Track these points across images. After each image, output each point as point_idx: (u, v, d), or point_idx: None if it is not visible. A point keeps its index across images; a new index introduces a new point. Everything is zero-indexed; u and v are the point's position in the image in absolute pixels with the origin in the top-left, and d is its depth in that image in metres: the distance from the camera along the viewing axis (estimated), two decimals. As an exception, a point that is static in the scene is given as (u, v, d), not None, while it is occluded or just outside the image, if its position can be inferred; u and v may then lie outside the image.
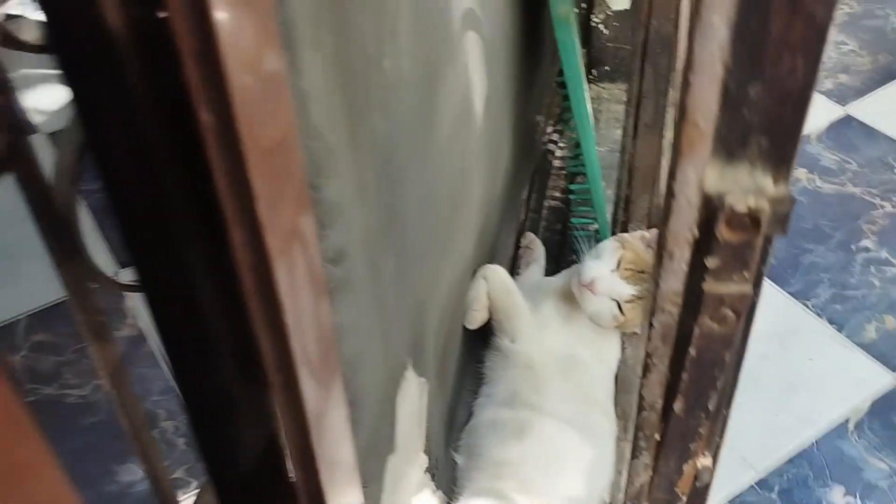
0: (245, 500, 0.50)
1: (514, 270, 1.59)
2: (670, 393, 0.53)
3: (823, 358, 1.50)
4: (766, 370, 1.48)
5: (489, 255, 1.42)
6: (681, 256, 0.44)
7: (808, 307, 1.58)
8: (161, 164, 0.30)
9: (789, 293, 1.61)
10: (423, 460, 1.05)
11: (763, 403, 1.43)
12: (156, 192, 0.31)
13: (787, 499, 1.32)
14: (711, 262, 0.46)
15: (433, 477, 1.13)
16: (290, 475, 0.44)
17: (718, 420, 0.57)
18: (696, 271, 0.46)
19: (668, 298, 0.46)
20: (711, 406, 0.53)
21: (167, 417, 1.43)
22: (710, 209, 0.45)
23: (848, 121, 1.98)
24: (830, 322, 1.56)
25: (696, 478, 0.59)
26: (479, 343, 1.37)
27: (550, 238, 1.68)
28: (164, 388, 1.48)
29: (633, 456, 0.57)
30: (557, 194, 1.78)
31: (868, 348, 1.51)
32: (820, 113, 1.99)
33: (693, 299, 0.48)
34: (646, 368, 0.50)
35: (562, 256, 1.61)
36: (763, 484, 1.34)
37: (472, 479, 1.18)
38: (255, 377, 0.38)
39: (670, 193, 0.43)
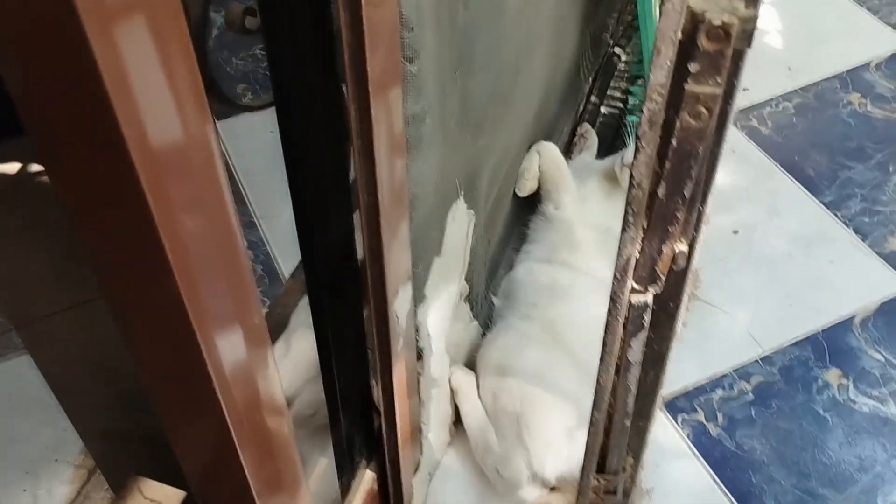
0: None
1: (567, 154, 1.74)
2: (656, 180, 0.69)
3: (844, 262, 1.63)
4: (790, 267, 1.62)
5: (546, 135, 1.58)
6: (666, 53, 0.60)
7: (837, 217, 1.70)
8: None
9: (822, 202, 1.73)
10: (465, 287, 1.23)
11: (780, 295, 1.57)
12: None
13: (786, 375, 1.47)
14: (692, 66, 0.61)
15: (472, 308, 1.32)
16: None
17: (694, 210, 0.72)
18: (680, 74, 0.62)
19: (655, 89, 0.62)
20: (687, 193, 0.69)
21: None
22: (694, 23, 0.60)
23: (910, 53, 2.05)
24: (856, 231, 1.68)
25: (673, 261, 0.76)
26: (526, 210, 1.54)
27: (605, 131, 1.82)
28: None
29: (623, 229, 0.73)
30: (618, 94, 1.90)
31: (887, 258, 1.63)
32: (882, 43, 2.06)
33: (676, 98, 0.63)
34: (636, 151, 0.66)
35: (614, 148, 1.76)
36: (767, 360, 1.49)
37: (504, 317, 1.36)
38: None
39: (664, 1, 0.58)
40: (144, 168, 0.39)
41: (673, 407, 1.44)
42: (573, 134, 1.78)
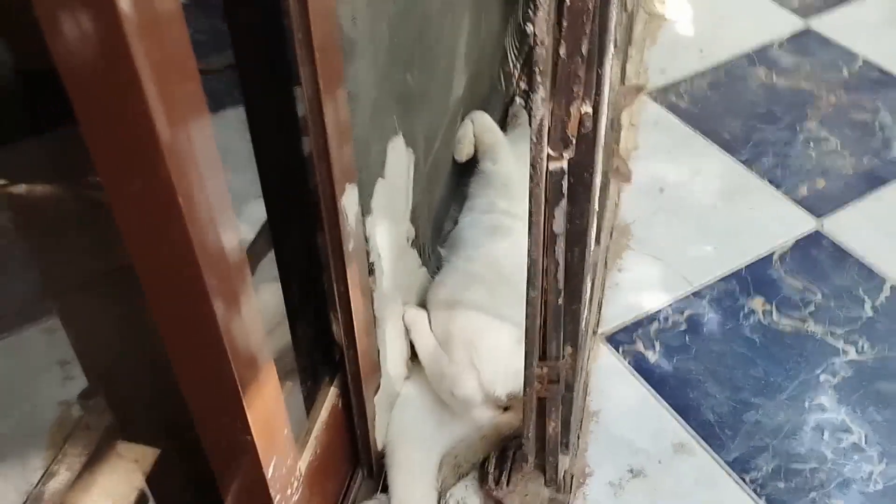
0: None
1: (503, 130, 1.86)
2: (557, 42, 0.81)
3: (762, 209, 1.77)
4: (714, 217, 1.76)
5: (479, 108, 1.70)
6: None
7: (753, 171, 1.85)
8: None
9: (740, 160, 1.88)
10: (411, 231, 1.33)
11: (707, 240, 1.71)
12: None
13: (715, 305, 1.59)
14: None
15: (420, 256, 1.42)
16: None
17: (593, 69, 0.84)
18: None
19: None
20: (585, 51, 0.81)
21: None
22: None
23: None
24: (771, 182, 1.83)
25: (581, 123, 0.87)
26: (465, 175, 1.66)
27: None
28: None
29: (533, 91, 0.84)
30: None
31: (800, 202, 1.78)
32: (784, 25, 2.25)
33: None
34: (535, 9, 0.77)
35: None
36: (697, 295, 1.61)
37: (451, 262, 1.46)
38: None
39: None
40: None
41: (614, 340, 1.54)
42: (506, 114, 1.91)
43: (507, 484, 1.28)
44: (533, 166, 0.89)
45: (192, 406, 0.82)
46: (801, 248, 1.69)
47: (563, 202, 0.94)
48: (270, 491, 0.94)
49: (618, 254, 1.69)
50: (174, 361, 0.78)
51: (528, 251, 0.98)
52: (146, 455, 1.28)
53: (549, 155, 0.89)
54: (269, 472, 0.91)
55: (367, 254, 1.11)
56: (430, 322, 1.37)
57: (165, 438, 1.23)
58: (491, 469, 1.31)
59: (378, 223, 1.13)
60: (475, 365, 1.31)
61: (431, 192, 1.48)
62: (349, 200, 0.99)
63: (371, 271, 1.14)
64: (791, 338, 1.53)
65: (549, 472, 1.26)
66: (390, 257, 1.20)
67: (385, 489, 1.26)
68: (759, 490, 1.32)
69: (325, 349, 1.17)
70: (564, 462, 1.28)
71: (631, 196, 1.80)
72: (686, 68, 2.14)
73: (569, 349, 1.11)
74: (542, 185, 0.91)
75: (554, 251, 0.98)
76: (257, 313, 0.78)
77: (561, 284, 1.02)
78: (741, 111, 2.01)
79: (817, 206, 1.78)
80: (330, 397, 1.18)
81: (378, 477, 1.29)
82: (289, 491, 0.99)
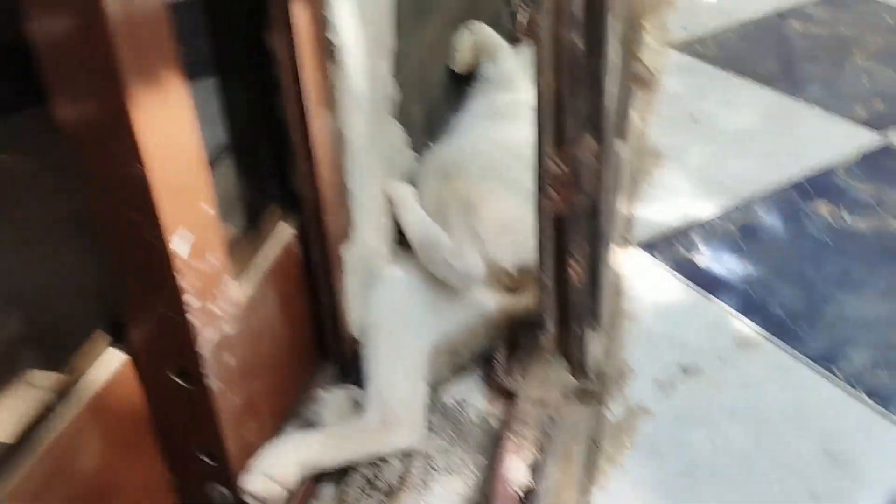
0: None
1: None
2: None
3: (813, 128, 1.53)
4: (758, 138, 1.50)
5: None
6: None
7: (797, 98, 1.61)
8: None
9: (782, 91, 1.64)
10: (393, 87, 1.10)
11: (751, 158, 1.44)
12: None
13: (772, 211, 1.31)
14: None
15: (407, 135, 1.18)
16: None
17: None
18: None
19: None
20: None
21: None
22: None
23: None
24: (820, 105, 1.58)
25: None
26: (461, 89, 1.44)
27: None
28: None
29: None
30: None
31: (859, 120, 1.53)
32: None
33: None
34: None
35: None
36: (747, 202, 1.34)
37: (446, 142, 1.22)
38: None
39: None
40: None
41: (650, 247, 1.26)
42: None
43: (521, 373, 0.98)
44: None
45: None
46: (868, 160, 1.43)
47: None
48: (179, 281, 0.66)
49: (647, 173, 1.43)
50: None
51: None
52: (59, 382, 1.00)
53: None
54: (175, 248, 0.64)
55: (331, 45, 0.87)
56: (420, 198, 1.11)
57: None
58: (500, 358, 1.00)
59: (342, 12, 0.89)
60: (476, 232, 1.04)
61: (424, 88, 1.26)
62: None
63: (333, 59, 0.89)
64: (872, 237, 1.24)
65: (574, 352, 0.96)
66: (361, 69, 0.96)
67: (361, 383, 0.96)
68: (853, 382, 1.00)
69: (282, 180, 0.91)
70: (594, 344, 0.98)
71: (660, 129, 1.55)
72: (711, 24, 1.94)
73: (590, 140, 0.84)
74: None
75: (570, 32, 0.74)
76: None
77: (581, 28, 0.77)
78: (778, 54, 1.79)
79: (880, 122, 1.52)
80: (283, 233, 0.90)
81: (352, 371, 0.99)
82: (215, 308, 0.72)
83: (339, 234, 0.95)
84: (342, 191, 0.95)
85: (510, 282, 1.06)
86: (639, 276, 1.20)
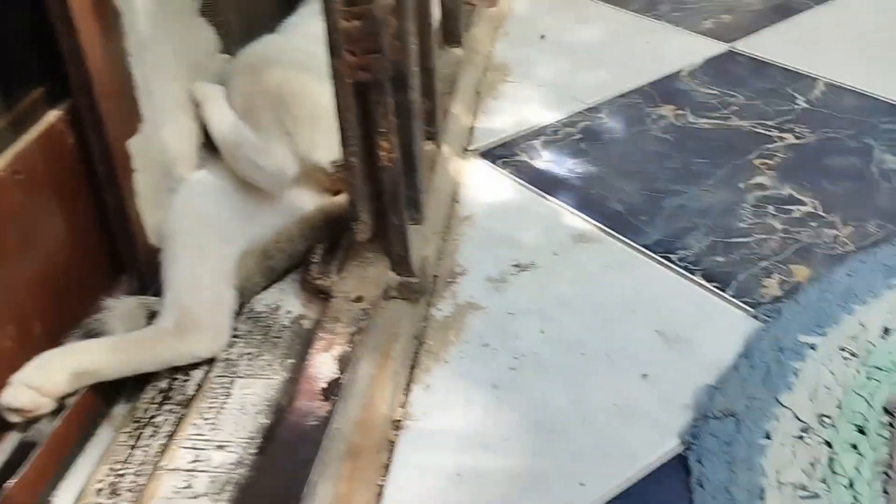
0: None
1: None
2: None
3: (661, 42, 1.49)
4: (606, 51, 1.46)
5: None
6: None
7: (648, 16, 1.58)
8: None
9: (630, 10, 1.60)
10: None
11: (599, 69, 1.40)
12: None
13: (616, 115, 1.27)
14: None
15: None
16: None
17: None
18: None
19: None
20: None
21: None
22: None
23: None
24: (669, 22, 1.55)
25: None
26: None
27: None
28: None
29: None
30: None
31: (706, 33, 1.51)
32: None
33: None
34: None
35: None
36: (592, 109, 1.29)
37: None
38: None
39: None
40: None
41: (490, 155, 1.19)
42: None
43: (338, 272, 0.89)
44: None
45: None
46: (712, 64, 1.40)
47: None
48: None
49: (493, 86, 1.36)
50: None
51: None
52: None
53: None
54: None
55: None
56: (229, 98, 1.01)
57: None
58: (316, 259, 0.92)
59: None
60: (287, 128, 0.95)
61: None
62: None
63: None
64: (713, 133, 1.21)
65: (394, 245, 0.88)
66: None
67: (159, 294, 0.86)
68: (690, 268, 0.95)
69: (47, 58, 0.80)
70: (418, 239, 0.90)
71: (506, 45, 1.49)
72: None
73: (386, -4, 0.76)
74: None
75: None
76: None
77: None
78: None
79: (726, 34, 1.50)
80: (49, 118, 0.79)
81: (152, 283, 0.88)
82: None
83: (122, 125, 0.84)
84: (122, 76, 0.84)
85: (327, 180, 0.97)
86: (477, 183, 1.13)
